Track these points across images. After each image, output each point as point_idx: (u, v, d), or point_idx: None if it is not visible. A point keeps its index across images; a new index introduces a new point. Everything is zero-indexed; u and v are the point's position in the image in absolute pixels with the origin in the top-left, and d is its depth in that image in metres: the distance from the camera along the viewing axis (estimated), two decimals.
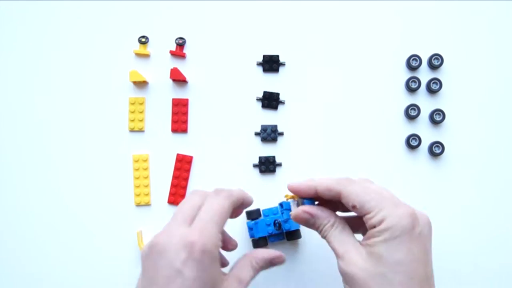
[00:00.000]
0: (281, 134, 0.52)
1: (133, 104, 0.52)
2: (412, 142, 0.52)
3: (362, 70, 0.52)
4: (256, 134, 0.53)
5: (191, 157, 0.52)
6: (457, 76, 0.53)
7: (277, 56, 0.53)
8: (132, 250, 0.52)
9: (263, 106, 0.53)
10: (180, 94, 0.53)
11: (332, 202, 0.42)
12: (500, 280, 0.52)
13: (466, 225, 0.52)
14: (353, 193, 0.40)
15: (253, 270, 0.43)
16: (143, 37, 0.53)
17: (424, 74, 0.53)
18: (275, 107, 0.53)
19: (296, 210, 0.42)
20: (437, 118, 0.52)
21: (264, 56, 0.53)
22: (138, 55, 0.53)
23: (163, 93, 0.53)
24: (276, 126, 0.52)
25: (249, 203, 0.45)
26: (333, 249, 0.41)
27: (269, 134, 0.52)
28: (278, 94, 0.53)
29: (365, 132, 0.53)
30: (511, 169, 0.52)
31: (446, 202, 0.52)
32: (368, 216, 0.39)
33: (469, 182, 0.52)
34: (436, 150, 0.52)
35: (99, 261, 0.52)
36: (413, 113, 0.52)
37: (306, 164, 0.52)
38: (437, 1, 0.53)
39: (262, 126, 0.52)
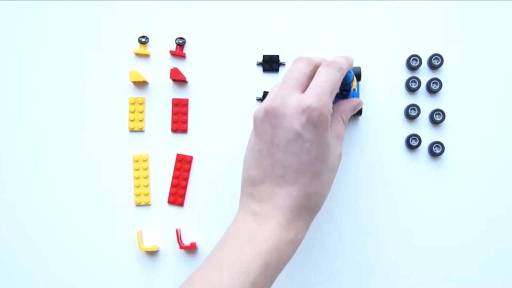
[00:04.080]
0: None
1: (133, 104, 0.52)
2: (412, 142, 0.52)
3: (362, 70, 0.52)
4: None
5: (191, 157, 0.52)
6: (457, 76, 0.53)
7: (277, 56, 0.53)
8: (132, 250, 0.52)
9: None
10: (180, 94, 0.53)
11: None
12: (500, 280, 0.52)
13: (466, 225, 0.52)
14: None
15: (344, 123, 0.47)
16: (143, 37, 0.53)
17: (424, 74, 0.53)
18: None
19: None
20: (437, 118, 0.52)
21: (264, 56, 0.53)
22: (138, 55, 0.53)
23: (163, 93, 0.53)
24: None
25: (349, 66, 0.46)
26: None
27: None
28: None
29: (365, 132, 0.53)
30: (511, 169, 0.52)
31: (446, 202, 0.52)
32: None
33: (469, 182, 0.52)
34: (436, 150, 0.52)
35: (99, 261, 0.52)
36: (413, 113, 0.52)
37: None
38: (437, 1, 0.53)
39: None
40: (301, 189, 0.40)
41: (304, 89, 0.42)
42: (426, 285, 0.52)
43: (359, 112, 0.51)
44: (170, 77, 0.51)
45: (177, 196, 0.52)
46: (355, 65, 0.52)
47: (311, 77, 0.43)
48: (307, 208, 0.41)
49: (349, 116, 0.48)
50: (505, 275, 0.52)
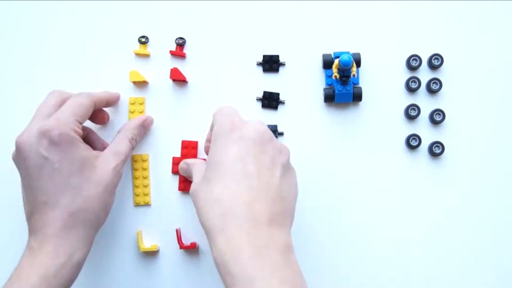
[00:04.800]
0: (281, 134, 0.52)
1: (133, 104, 0.52)
2: (412, 142, 0.52)
3: (362, 69, 0.52)
4: None
5: (196, 142, 0.53)
6: (457, 76, 0.53)
7: (277, 56, 0.53)
8: (132, 250, 0.52)
9: (263, 106, 0.53)
10: (180, 94, 0.53)
11: None
12: (500, 280, 0.52)
13: (466, 225, 0.52)
14: (214, 115, 0.44)
15: (129, 140, 0.48)
16: (143, 37, 0.53)
17: (424, 74, 0.53)
18: (275, 107, 0.53)
19: (181, 163, 0.50)
20: (437, 118, 0.52)
21: (264, 56, 0.53)
22: (138, 55, 0.53)
23: (163, 93, 0.53)
24: (276, 126, 0.52)
25: (114, 101, 0.51)
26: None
27: None
28: (278, 94, 0.53)
29: (365, 132, 0.53)
30: (511, 169, 0.52)
31: (446, 202, 0.52)
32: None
33: (469, 182, 0.52)
34: (436, 150, 0.52)
35: (99, 261, 0.52)
36: (413, 113, 0.52)
37: (306, 164, 0.52)
38: (437, 1, 0.53)
39: None
40: (63, 211, 0.42)
41: (48, 116, 0.44)
42: (426, 285, 0.52)
43: (359, 98, 0.51)
44: (170, 77, 0.51)
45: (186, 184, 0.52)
46: (354, 51, 0.52)
47: (60, 105, 0.46)
48: (77, 227, 0.43)
49: (136, 133, 0.50)
50: (505, 274, 0.52)
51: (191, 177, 0.46)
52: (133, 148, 0.49)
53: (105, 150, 0.47)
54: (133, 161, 0.52)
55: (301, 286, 0.38)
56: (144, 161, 0.52)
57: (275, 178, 0.40)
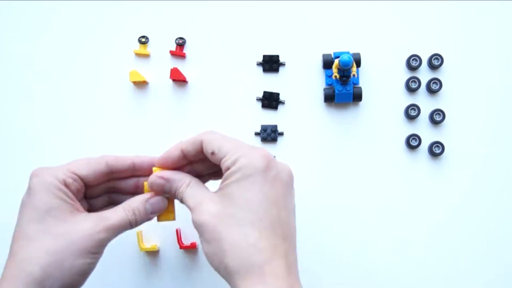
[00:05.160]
0: (281, 134, 0.52)
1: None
2: (412, 142, 0.52)
3: (362, 69, 0.52)
4: (256, 134, 0.53)
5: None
6: (457, 76, 0.53)
7: (277, 56, 0.53)
8: (132, 250, 0.52)
9: (263, 106, 0.53)
10: (180, 94, 0.53)
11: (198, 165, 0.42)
12: (500, 280, 0.52)
13: (466, 224, 0.52)
14: (212, 139, 0.39)
15: (128, 213, 0.41)
16: (143, 37, 0.53)
17: (424, 74, 0.53)
18: (275, 107, 0.53)
19: (151, 177, 0.41)
20: (437, 118, 0.52)
21: (264, 56, 0.53)
22: (138, 55, 0.53)
23: (163, 93, 0.53)
24: (276, 126, 0.52)
25: (144, 169, 0.43)
26: (187, 206, 0.40)
27: (269, 134, 0.52)
28: (278, 94, 0.53)
29: (365, 132, 0.53)
30: (511, 169, 0.52)
31: (446, 202, 0.52)
32: (224, 159, 0.38)
33: (469, 182, 0.52)
34: (436, 150, 0.52)
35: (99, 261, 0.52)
36: (413, 113, 0.52)
37: (306, 164, 0.52)
38: (437, 1, 0.53)
39: (262, 126, 0.52)
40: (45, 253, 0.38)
41: None
42: (426, 284, 0.52)
43: (359, 98, 0.51)
44: (170, 77, 0.51)
45: None
46: (354, 51, 0.52)
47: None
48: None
49: (138, 209, 0.42)
50: (505, 274, 0.52)
51: (168, 194, 0.41)
52: (131, 225, 0.41)
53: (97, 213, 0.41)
54: None
55: None
56: None
57: (294, 224, 0.39)
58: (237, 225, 0.36)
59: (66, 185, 0.40)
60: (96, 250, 0.40)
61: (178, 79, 0.51)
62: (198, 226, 0.38)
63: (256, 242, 0.36)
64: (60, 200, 0.40)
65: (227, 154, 0.38)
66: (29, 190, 0.40)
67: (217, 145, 0.39)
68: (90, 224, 0.39)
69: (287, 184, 0.38)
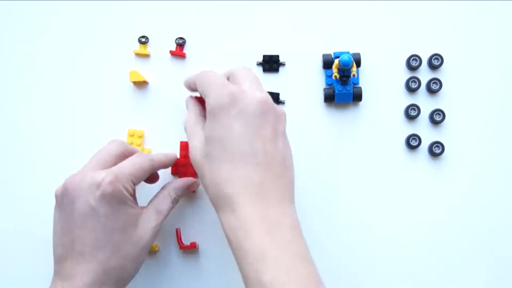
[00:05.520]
0: None
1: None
2: (412, 142, 0.52)
3: (362, 69, 0.52)
4: None
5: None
6: (457, 76, 0.53)
7: (277, 56, 0.53)
8: None
9: None
10: (181, 94, 0.53)
11: None
12: (500, 280, 0.52)
13: (466, 225, 0.52)
14: (198, 80, 0.44)
15: (171, 200, 0.47)
16: (143, 37, 0.53)
17: (424, 74, 0.53)
18: None
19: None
20: (437, 118, 0.52)
21: (264, 56, 0.53)
22: (138, 55, 0.53)
23: (163, 93, 0.53)
24: None
25: (170, 164, 0.49)
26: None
27: None
28: (278, 94, 0.53)
29: (365, 132, 0.53)
30: (511, 169, 0.52)
31: (446, 202, 0.52)
32: (206, 101, 0.42)
33: (469, 182, 0.52)
34: (436, 150, 0.52)
35: None
36: (413, 113, 0.52)
37: (306, 164, 0.52)
38: (437, 1, 0.53)
39: None
40: (99, 266, 0.41)
41: (107, 168, 0.44)
42: (426, 284, 0.52)
43: (359, 98, 0.51)
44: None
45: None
46: (354, 51, 0.52)
47: (119, 157, 0.45)
48: (108, 284, 0.42)
49: (180, 194, 0.48)
50: (505, 274, 0.52)
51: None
52: (173, 207, 0.48)
53: (148, 207, 0.46)
54: None
55: (310, 260, 0.39)
56: None
57: (279, 150, 0.41)
58: (211, 162, 0.40)
59: (130, 192, 0.43)
60: (153, 240, 0.45)
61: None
62: (192, 162, 0.43)
63: (227, 175, 0.39)
64: (131, 207, 0.43)
65: (205, 96, 0.42)
66: (105, 199, 0.41)
67: (200, 88, 0.43)
68: (153, 222, 0.45)
69: (257, 114, 0.40)
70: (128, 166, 0.44)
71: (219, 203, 0.40)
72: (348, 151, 0.52)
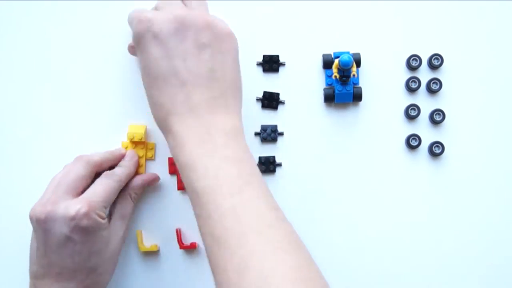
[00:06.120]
0: (281, 134, 0.52)
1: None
2: (412, 142, 0.52)
3: (362, 69, 0.52)
4: (256, 134, 0.53)
5: None
6: (457, 76, 0.53)
7: (277, 56, 0.53)
8: (132, 250, 0.52)
9: (263, 106, 0.53)
10: None
11: None
12: (500, 279, 0.52)
13: (466, 225, 0.52)
14: (128, 20, 0.45)
15: (132, 200, 0.49)
16: None
17: (424, 74, 0.53)
18: (275, 107, 0.53)
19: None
20: (437, 118, 0.52)
21: (264, 56, 0.53)
22: None
23: None
24: (276, 126, 0.52)
25: (117, 161, 0.49)
26: None
27: (269, 134, 0.52)
28: (278, 94, 0.53)
29: (365, 132, 0.53)
30: (511, 169, 0.52)
31: (446, 202, 0.52)
32: None
33: (469, 182, 0.52)
34: (436, 150, 0.52)
35: None
36: (413, 113, 0.52)
37: (306, 164, 0.52)
38: (437, 1, 0.53)
39: (262, 126, 0.52)
40: (78, 284, 0.43)
41: (78, 192, 0.44)
42: (426, 284, 0.52)
43: (359, 98, 0.51)
44: None
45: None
46: (354, 51, 0.52)
47: (89, 178, 0.46)
48: None
49: (139, 192, 0.50)
50: (505, 274, 0.52)
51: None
52: (134, 205, 0.50)
53: (113, 218, 0.47)
54: None
55: (247, 160, 0.40)
56: (140, 166, 0.52)
57: (203, 62, 0.41)
58: (146, 90, 0.42)
59: (103, 217, 0.44)
60: (123, 244, 0.49)
61: None
62: None
63: (157, 100, 0.41)
64: (104, 230, 0.45)
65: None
66: (80, 230, 0.42)
67: (128, 23, 0.45)
68: (121, 231, 0.47)
69: (171, 33, 0.40)
70: (100, 192, 0.44)
71: (161, 128, 0.42)
72: (348, 151, 0.52)
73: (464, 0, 0.53)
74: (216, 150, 0.39)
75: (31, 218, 0.44)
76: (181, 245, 0.51)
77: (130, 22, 0.43)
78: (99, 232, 0.44)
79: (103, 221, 0.44)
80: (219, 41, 0.42)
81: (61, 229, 0.42)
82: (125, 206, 0.48)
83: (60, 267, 0.43)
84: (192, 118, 0.40)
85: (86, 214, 0.42)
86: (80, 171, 0.45)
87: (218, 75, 0.41)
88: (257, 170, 0.40)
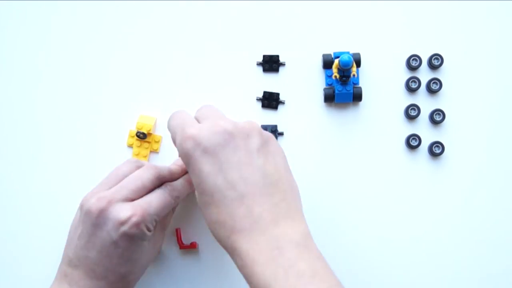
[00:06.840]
0: (281, 134, 0.52)
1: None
2: (412, 142, 0.52)
3: (362, 70, 0.52)
4: None
5: None
6: (457, 76, 0.53)
7: (277, 56, 0.53)
8: None
9: (263, 106, 0.53)
10: (180, 95, 0.53)
11: None
12: (500, 280, 0.52)
13: (466, 225, 0.52)
14: (169, 127, 0.44)
15: (173, 211, 0.49)
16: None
17: (424, 74, 0.53)
18: (275, 107, 0.53)
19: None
20: (437, 118, 0.52)
21: (264, 56, 0.53)
22: None
23: (163, 93, 0.53)
24: (276, 126, 0.52)
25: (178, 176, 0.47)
26: None
27: None
28: (278, 94, 0.53)
29: (365, 132, 0.53)
30: (511, 169, 0.52)
31: (446, 202, 0.52)
32: None
33: (469, 182, 0.52)
34: (436, 150, 0.52)
35: None
36: (413, 113, 0.52)
37: (306, 164, 0.52)
38: (437, 1, 0.53)
39: (262, 126, 0.52)
40: (106, 285, 0.43)
41: (136, 199, 0.43)
42: (426, 284, 0.52)
43: (359, 98, 0.51)
44: None
45: None
46: (354, 51, 0.52)
47: (151, 189, 0.45)
48: None
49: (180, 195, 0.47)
50: (505, 274, 0.52)
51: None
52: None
53: (155, 228, 0.45)
54: None
55: (323, 271, 0.37)
56: (144, 157, 0.52)
57: (258, 169, 0.38)
58: (203, 209, 0.40)
59: (151, 229, 0.44)
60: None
61: None
62: None
63: (217, 218, 0.38)
64: (148, 241, 0.44)
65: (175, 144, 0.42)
66: (126, 236, 0.42)
67: (171, 132, 0.44)
68: (160, 241, 0.48)
69: (221, 145, 0.38)
70: (156, 205, 0.43)
71: (225, 247, 0.39)
72: (348, 151, 0.52)
73: (464, 0, 0.53)
74: (288, 266, 0.36)
75: (81, 206, 0.43)
76: (181, 245, 0.51)
77: (173, 136, 0.42)
78: (142, 242, 0.43)
79: (149, 234, 0.43)
80: (266, 144, 0.40)
81: (109, 231, 0.41)
82: (168, 217, 0.48)
83: (95, 264, 0.42)
84: (257, 234, 0.37)
85: (137, 224, 0.41)
86: (148, 183, 0.44)
87: (274, 178, 0.39)
88: (335, 280, 0.37)
